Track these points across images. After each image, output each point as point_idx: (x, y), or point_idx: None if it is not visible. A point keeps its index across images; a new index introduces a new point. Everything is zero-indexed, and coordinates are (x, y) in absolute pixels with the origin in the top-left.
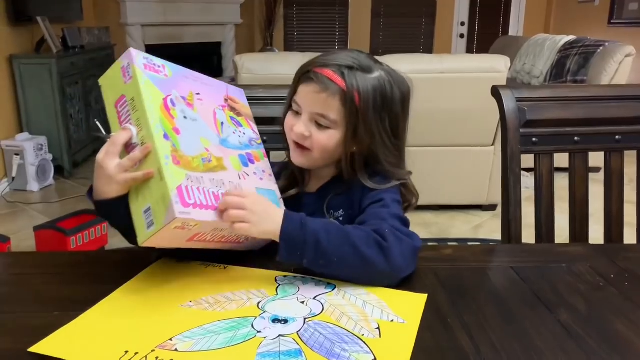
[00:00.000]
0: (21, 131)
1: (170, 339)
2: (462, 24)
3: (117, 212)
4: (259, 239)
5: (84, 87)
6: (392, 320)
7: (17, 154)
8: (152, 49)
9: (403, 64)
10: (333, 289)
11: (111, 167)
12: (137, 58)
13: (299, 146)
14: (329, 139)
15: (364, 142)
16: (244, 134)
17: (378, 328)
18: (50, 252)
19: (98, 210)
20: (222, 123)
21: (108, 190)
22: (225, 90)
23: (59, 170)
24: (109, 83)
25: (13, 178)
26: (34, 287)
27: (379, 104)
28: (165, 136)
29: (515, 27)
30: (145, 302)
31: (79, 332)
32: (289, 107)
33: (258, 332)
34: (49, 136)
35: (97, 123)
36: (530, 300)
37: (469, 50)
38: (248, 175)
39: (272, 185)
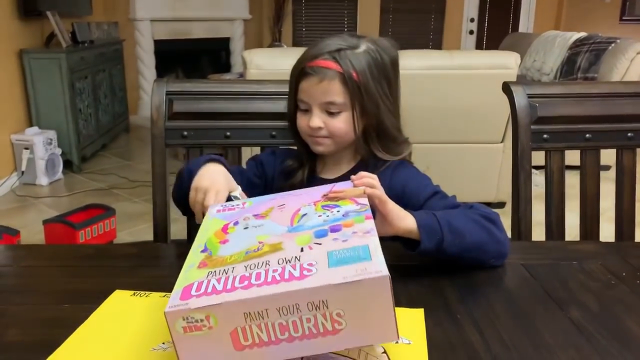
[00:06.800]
0: (31, 125)
1: None
2: (472, 20)
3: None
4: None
5: (93, 81)
6: (397, 342)
7: (26, 148)
8: (160, 44)
9: (413, 59)
10: None
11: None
12: (211, 211)
13: (317, 138)
14: (343, 122)
15: (371, 114)
16: (338, 211)
17: (385, 352)
18: (60, 244)
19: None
20: (305, 215)
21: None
22: (328, 190)
23: (67, 165)
24: None
25: (22, 172)
26: (44, 279)
27: (375, 73)
28: (205, 249)
29: (526, 23)
30: (111, 346)
31: None
32: (295, 110)
33: None
34: (58, 130)
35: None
36: (540, 297)
37: (478, 46)
38: (320, 244)
39: (365, 240)
